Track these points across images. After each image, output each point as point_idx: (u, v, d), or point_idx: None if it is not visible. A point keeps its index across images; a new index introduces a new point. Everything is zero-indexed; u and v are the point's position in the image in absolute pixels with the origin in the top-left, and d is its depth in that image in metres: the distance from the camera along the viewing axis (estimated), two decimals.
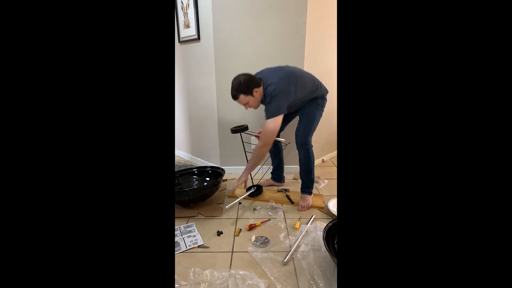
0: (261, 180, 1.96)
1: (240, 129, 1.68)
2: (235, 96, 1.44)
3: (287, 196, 1.74)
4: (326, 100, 1.62)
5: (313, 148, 1.61)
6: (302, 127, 1.59)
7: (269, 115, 1.41)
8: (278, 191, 1.85)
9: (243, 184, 1.60)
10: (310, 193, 1.67)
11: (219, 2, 1.80)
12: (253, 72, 1.51)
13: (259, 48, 1.89)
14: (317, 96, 1.56)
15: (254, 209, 1.64)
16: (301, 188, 1.70)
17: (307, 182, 1.66)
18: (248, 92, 1.41)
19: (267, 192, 1.83)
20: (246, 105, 1.47)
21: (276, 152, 1.91)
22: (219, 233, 1.41)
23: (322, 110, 1.61)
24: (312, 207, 1.66)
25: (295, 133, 1.62)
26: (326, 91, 1.61)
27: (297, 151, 1.65)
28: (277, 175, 1.96)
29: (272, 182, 1.98)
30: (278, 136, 1.72)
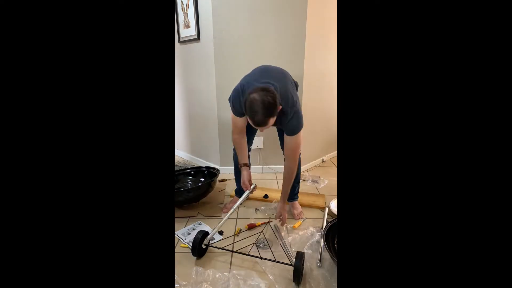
0: (228, 204, 1.67)
1: None
2: (264, 122, 1.05)
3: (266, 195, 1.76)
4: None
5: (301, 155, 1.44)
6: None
7: (294, 131, 1.21)
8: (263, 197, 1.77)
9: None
10: (297, 198, 1.59)
11: (219, 2, 1.80)
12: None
13: (259, 48, 1.89)
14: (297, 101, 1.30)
15: (257, 209, 1.64)
16: (288, 199, 1.55)
17: (292, 192, 1.55)
18: (275, 111, 1.06)
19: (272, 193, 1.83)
20: (267, 126, 1.12)
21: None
22: (221, 233, 1.41)
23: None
24: (314, 207, 1.64)
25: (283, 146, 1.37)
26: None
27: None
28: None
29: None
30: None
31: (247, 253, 1.19)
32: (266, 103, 1.02)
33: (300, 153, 1.43)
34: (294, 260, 1.04)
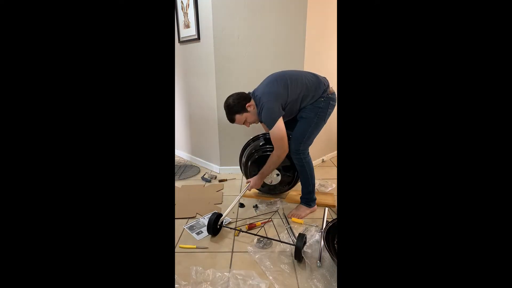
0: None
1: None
2: (231, 120, 1.42)
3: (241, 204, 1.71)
4: (333, 101, 1.43)
5: (309, 156, 1.50)
6: (295, 134, 1.46)
7: (267, 123, 1.35)
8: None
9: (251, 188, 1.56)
10: (309, 206, 1.56)
11: (219, 2, 1.80)
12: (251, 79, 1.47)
13: (259, 48, 1.89)
14: (320, 96, 1.39)
15: (256, 207, 1.64)
16: (300, 198, 1.60)
17: (305, 194, 1.56)
18: (242, 109, 1.39)
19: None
20: (246, 123, 1.44)
21: None
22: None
23: (325, 114, 1.42)
24: (324, 205, 1.61)
25: (290, 139, 1.47)
26: (328, 88, 1.43)
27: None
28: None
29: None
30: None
31: (255, 233, 1.37)
32: (227, 104, 1.40)
33: (307, 155, 1.50)
34: (296, 240, 1.18)
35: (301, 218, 1.51)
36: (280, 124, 1.34)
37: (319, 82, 1.41)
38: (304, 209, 1.55)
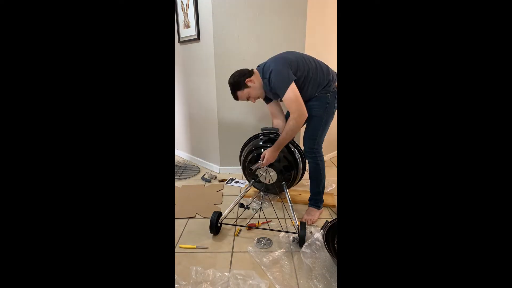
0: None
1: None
2: (235, 97, 1.44)
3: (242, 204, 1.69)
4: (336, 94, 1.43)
5: (323, 155, 1.49)
6: (307, 133, 1.45)
7: (279, 88, 1.29)
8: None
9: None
10: (318, 207, 1.54)
11: (219, 2, 1.80)
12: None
13: (259, 48, 1.89)
14: (326, 88, 1.40)
15: (248, 207, 1.64)
16: (309, 199, 1.57)
17: (315, 194, 1.53)
18: (242, 85, 1.39)
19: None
20: (250, 98, 1.43)
21: None
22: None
23: (333, 109, 1.43)
24: (324, 206, 1.60)
25: (303, 138, 1.50)
26: (335, 82, 1.44)
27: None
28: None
29: None
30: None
31: (256, 226, 1.45)
32: (229, 83, 1.44)
33: (321, 155, 1.48)
34: (299, 229, 1.28)
35: (313, 222, 1.48)
36: (293, 86, 1.29)
37: (328, 69, 1.44)
38: (315, 212, 1.53)
